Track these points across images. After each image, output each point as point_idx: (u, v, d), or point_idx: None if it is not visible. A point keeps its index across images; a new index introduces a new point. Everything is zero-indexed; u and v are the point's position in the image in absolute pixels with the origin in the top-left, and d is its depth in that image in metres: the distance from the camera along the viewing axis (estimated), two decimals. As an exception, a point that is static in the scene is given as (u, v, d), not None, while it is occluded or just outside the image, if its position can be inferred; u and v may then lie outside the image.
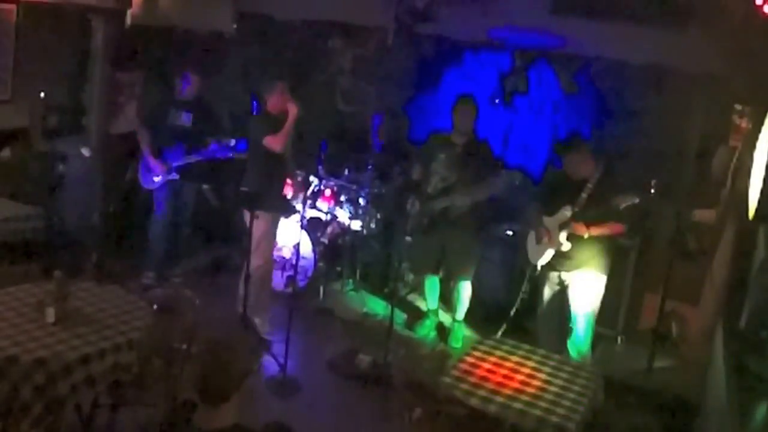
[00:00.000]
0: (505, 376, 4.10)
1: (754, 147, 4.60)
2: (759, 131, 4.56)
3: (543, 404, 3.85)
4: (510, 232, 6.35)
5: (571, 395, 3.97)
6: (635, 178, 5.78)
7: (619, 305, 5.90)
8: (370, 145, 6.84)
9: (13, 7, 6.12)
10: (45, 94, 6.43)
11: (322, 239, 6.49)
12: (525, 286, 5.76)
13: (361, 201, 6.50)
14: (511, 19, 6.50)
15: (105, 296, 4.35)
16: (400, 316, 6.17)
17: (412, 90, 7.15)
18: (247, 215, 5.26)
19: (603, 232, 5.00)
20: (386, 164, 6.73)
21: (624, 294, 5.94)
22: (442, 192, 5.71)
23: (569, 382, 4.11)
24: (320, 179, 6.55)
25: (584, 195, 4.99)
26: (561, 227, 5.03)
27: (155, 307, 4.18)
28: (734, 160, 5.26)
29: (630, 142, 6.21)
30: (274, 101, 5.58)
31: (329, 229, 6.58)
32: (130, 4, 6.53)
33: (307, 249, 6.29)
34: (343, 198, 6.53)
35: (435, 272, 6.00)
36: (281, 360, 5.19)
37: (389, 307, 5.56)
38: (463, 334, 6.00)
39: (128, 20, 6.55)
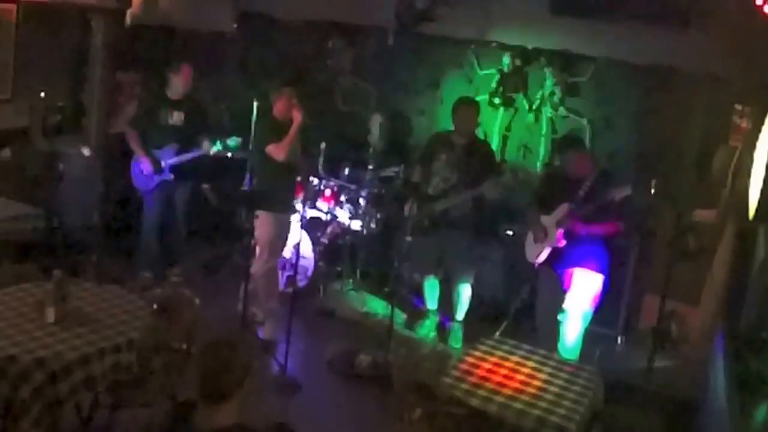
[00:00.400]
0: (505, 376, 4.09)
1: (754, 147, 4.60)
2: (759, 131, 4.56)
3: (543, 404, 3.85)
4: (510, 232, 6.35)
5: (571, 395, 3.97)
6: (635, 177, 5.79)
7: (619, 305, 5.90)
8: (370, 145, 6.84)
9: (13, 7, 6.12)
10: (45, 94, 6.43)
11: (322, 239, 6.49)
12: (525, 287, 5.78)
13: (361, 201, 6.50)
14: (511, 19, 6.50)
15: (105, 296, 4.34)
16: (400, 316, 6.17)
17: (412, 90, 7.15)
18: (261, 216, 5.27)
19: (600, 229, 5.00)
20: (386, 164, 6.72)
21: (624, 294, 5.94)
22: (443, 192, 5.71)
23: (569, 382, 4.10)
24: (320, 179, 6.55)
25: (581, 193, 5.00)
26: (557, 225, 5.04)
27: (155, 307, 4.18)
28: (734, 160, 5.26)
29: (630, 142, 6.21)
30: (280, 107, 5.57)
31: (329, 229, 6.58)
32: (130, 4, 6.53)
33: (307, 249, 6.29)
34: (343, 198, 6.52)
35: (435, 272, 6.00)
36: (281, 360, 5.19)
37: (389, 307, 5.56)
38: (462, 334, 5.99)
39: (128, 20, 6.55)
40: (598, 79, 6.30)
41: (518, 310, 5.64)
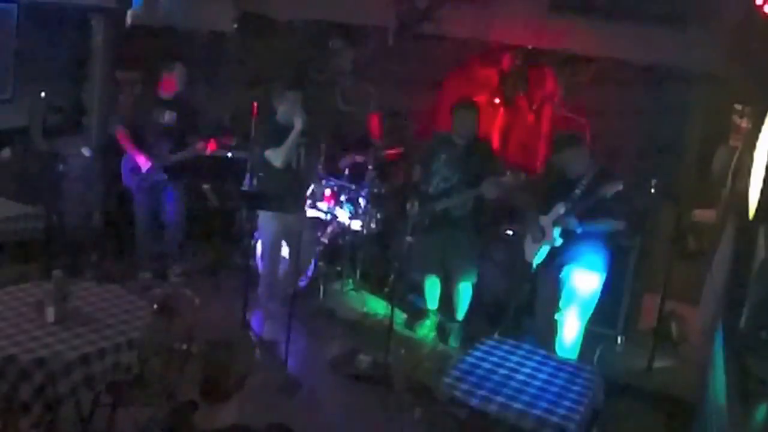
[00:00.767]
0: (505, 376, 4.10)
1: (754, 147, 4.60)
2: (759, 131, 4.56)
3: (543, 404, 3.85)
4: (510, 232, 6.35)
5: (571, 395, 3.97)
6: (635, 177, 5.79)
7: (619, 305, 5.90)
8: (370, 145, 6.84)
9: (13, 7, 6.12)
10: (45, 94, 6.43)
11: (322, 239, 6.49)
12: (525, 286, 5.77)
13: (361, 201, 6.49)
14: (511, 19, 6.51)
15: (105, 296, 4.35)
16: (400, 316, 6.17)
17: (412, 90, 7.15)
18: (261, 216, 5.25)
19: (597, 227, 5.00)
20: (386, 164, 6.72)
21: (624, 294, 5.94)
22: (443, 192, 5.71)
23: (569, 382, 4.11)
24: (320, 179, 6.55)
25: (578, 191, 5.00)
26: (554, 224, 5.05)
27: (155, 307, 4.18)
28: (734, 159, 5.26)
29: (630, 142, 6.21)
30: (282, 111, 5.56)
31: (329, 229, 6.58)
32: (130, 4, 6.53)
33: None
34: (343, 198, 6.52)
35: (435, 272, 6.00)
36: (282, 360, 5.19)
37: (389, 307, 5.56)
38: (463, 334, 5.99)
39: (128, 20, 6.55)
40: (598, 79, 6.30)
41: (517, 309, 5.64)
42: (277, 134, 5.51)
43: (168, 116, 6.07)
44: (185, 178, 6.26)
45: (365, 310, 6.38)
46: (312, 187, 6.43)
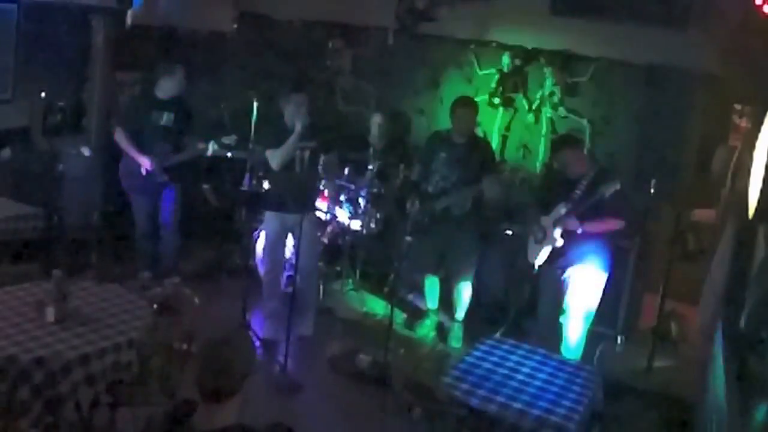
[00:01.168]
0: (504, 376, 4.10)
1: (753, 146, 4.60)
2: (759, 131, 4.56)
3: (543, 404, 3.85)
4: (510, 232, 6.35)
5: (571, 395, 3.97)
6: (635, 177, 5.79)
7: (619, 305, 5.90)
8: (370, 145, 6.84)
9: (13, 7, 6.12)
10: (45, 94, 6.43)
11: (322, 239, 6.49)
12: (526, 287, 5.77)
13: (361, 201, 6.49)
14: (511, 19, 6.51)
15: (105, 296, 4.35)
16: (400, 316, 6.18)
17: (412, 90, 7.15)
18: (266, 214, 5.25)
19: (597, 227, 5.01)
20: (386, 164, 6.72)
21: (624, 294, 5.94)
22: (442, 191, 5.71)
23: (569, 381, 4.11)
24: (320, 179, 6.55)
25: (578, 192, 5.00)
26: (555, 224, 5.05)
27: (155, 306, 4.18)
28: (734, 159, 5.26)
29: (629, 142, 6.21)
30: (288, 113, 5.55)
31: (329, 229, 6.58)
32: (130, 4, 6.53)
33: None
34: (342, 198, 6.52)
35: (435, 272, 6.00)
36: (281, 359, 5.19)
37: (389, 306, 5.56)
38: (462, 334, 5.99)
39: (128, 20, 6.56)
40: (598, 79, 6.30)
41: (519, 310, 5.64)
42: (280, 135, 5.51)
43: (167, 118, 6.06)
44: (185, 178, 6.25)
45: (365, 309, 6.39)
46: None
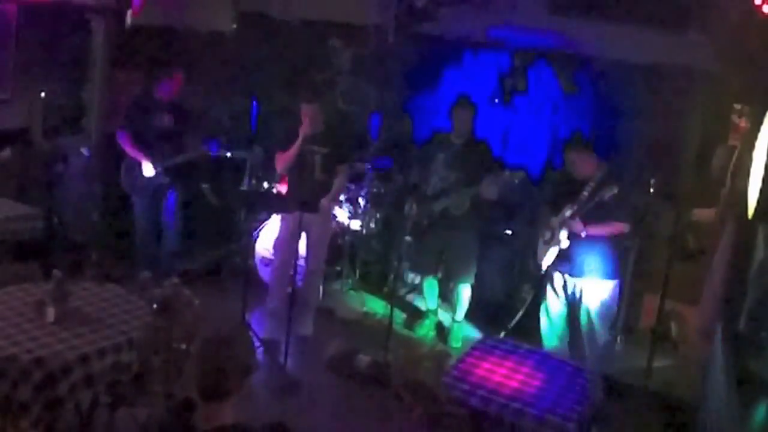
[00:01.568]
0: (504, 376, 4.10)
1: (753, 146, 4.60)
2: (758, 130, 4.57)
3: (542, 404, 3.85)
4: (509, 232, 6.35)
5: (571, 395, 3.98)
6: (634, 177, 5.78)
7: (619, 305, 5.90)
8: (369, 144, 6.84)
9: (13, 7, 6.12)
10: (45, 94, 6.43)
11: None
12: (527, 287, 5.77)
13: (361, 201, 6.49)
14: (511, 19, 6.51)
15: (105, 296, 4.35)
16: (400, 316, 6.18)
17: (412, 90, 7.15)
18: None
19: (601, 231, 5.00)
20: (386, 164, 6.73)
21: (624, 294, 5.93)
22: (441, 192, 5.71)
23: (569, 382, 4.11)
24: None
25: (585, 194, 4.99)
26: (561, 225, 5.05)
27: (155, 306, 4.18)
28: (733, 159, 5.26)
29: (629, 142, 6.21)
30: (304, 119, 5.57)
31: (329, 229, 6.58)
32: (130, 4, 6.53)
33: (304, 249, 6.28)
34: (342, 198, 6.52)
35: (434, 272, 6.00)
36: (281, 359, 5.19)
37: (389, 306, 5.56)
38: (462, 334, 5.99)
39: (128, 20, 6.55)
40: (597, 79, 6.30)
41: (526, 312, 5.63)
42: (288, 139, 5.54)
43: (167, 119, 6.08)
44: (186, 179, 6.26)
45: (364, 309, 6.39)
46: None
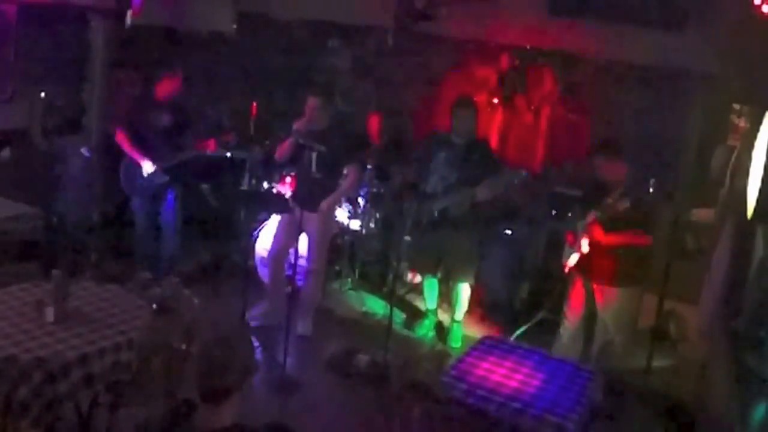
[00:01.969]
0: (504, 376, 4.10)
1: (752, 146, 4.60)
2: (757, 130, 4.57)
3: (542, 403, 3.85)
4: (509, 232, 6.35)
5: (571, 394, 3.98)
6: (634, 177, 5.78)
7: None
8: (369, 144, 6.84)
9: (13, 7, 6.13)
10: (45, 94, 6.44)
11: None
12: (525, 286, 5.77)
13: (360, 201, 6.49)
14: (511, 19, 6.51)
15: (104, 296, 4.35)
16: (399, 316, 6.18)
17: (412, 90, 7.15)
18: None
19: (620, 240, 4.91)
20: (386, 164, 6.73)
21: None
22: (441, 192, 5.71)
23: (568, 381, 4.11)
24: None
25: (609, 200, 4.94)
26: (584, 231, 5.01)
27: (155, 306, 4.18)
28: (733, 159, 5.26)
29: (628, 142, 6.21)
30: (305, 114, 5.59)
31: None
32: (130, 4, 6.53)
33: (306, 248, 6.28)
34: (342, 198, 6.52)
35: (434, 272, 6.00)
36: (280, 359, 5.20)
37: (388, 306, 5.56)
38: (462, 334, 6.00)
39: (128, 20, 6.56)
40: (597, 79, 6.30)
41: (521, 310, 5.63)
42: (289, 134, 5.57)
43: (166, 119, 6.07)
44: (185, 178, 6.25)
45: (364, 309, 6.39)
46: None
